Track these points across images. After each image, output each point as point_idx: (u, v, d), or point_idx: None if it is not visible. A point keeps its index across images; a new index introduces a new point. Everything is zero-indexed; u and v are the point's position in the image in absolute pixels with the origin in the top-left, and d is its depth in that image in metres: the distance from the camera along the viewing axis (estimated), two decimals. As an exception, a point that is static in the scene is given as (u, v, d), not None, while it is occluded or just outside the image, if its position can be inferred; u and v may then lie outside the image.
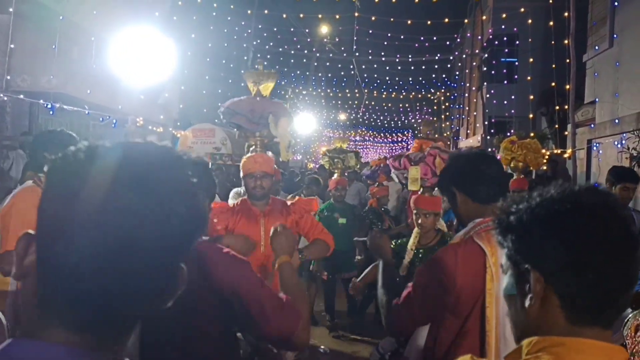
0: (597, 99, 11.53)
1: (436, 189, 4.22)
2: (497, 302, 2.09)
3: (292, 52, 22.17)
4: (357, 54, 21.23)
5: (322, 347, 6.21)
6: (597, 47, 11.52)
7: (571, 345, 1.00)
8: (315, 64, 27.27)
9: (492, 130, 19.62)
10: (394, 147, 39.11)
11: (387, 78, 26.99)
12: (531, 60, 15.03)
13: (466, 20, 23.80)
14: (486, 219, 2.23)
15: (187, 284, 1.85)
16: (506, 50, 21.08)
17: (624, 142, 9.29)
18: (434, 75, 26.67)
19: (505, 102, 17.95)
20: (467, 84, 25.36)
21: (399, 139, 40.15)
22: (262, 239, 3.57)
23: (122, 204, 0.76)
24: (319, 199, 7.30)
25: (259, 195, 3.64)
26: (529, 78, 14.20)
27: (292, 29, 21.72)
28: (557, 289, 1.03)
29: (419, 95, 27.54)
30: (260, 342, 2.16)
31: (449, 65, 29.71)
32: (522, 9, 15.91)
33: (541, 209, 1.06)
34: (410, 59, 20.38)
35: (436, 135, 6.23)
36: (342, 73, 27.75)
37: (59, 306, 0.78)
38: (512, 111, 17.62)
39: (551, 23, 11.89)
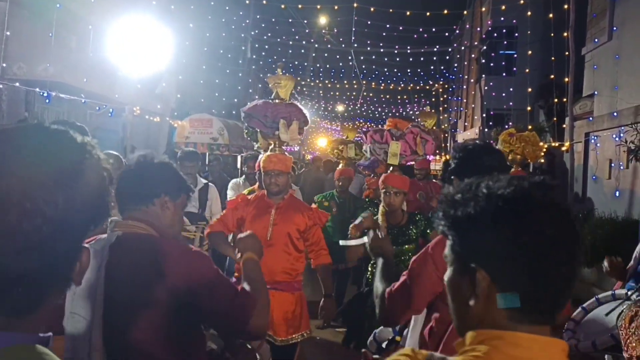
0: (595, 92, 11.52)
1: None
2: None
3: (290, 42, 22.09)
4: (355, 45, 21.16)
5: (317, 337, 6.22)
6: (596, 40, 11.50)
7: (508, 339, 1.01)
8: (314, 54, 27.20)
9: (490, 123, 19.63)
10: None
11: (386, 69, 26.94)
12: (530, 52, 14.99)
13: (465, 12, 23.72)
14: None
15: (140, 277, 1.86)
16: (505, 42, 21.02)
17: (622, 135, 9.29)
18: (432, 67, 26.58)
19: (504, 94, 17.94)
20: (466, 76, 25.31)
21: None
22: (269, 227, 3.88)
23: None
24: (295, 186, 7.25)
25: (274, 191, 3.97)
26: (527, 70, 14.17)
27: (290, 20, 21.63)
28: (501, 287, 1.02)
29: (417, 87, 27.48)
30: (226, 336, 2.19)
31: (447, 57, 29.63)
32: (522, 1, 15.84)
33: (489, 204, 1.02)
34: (408, 51, 20.33)
35: (434, 128, 6.22)
36: (341, 64, 27.67)
37: None
38: (511, 104, 17.60)
39: (551, 15, 11.86)
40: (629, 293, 3.39)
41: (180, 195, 2.16)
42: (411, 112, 31.59)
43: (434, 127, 6.30)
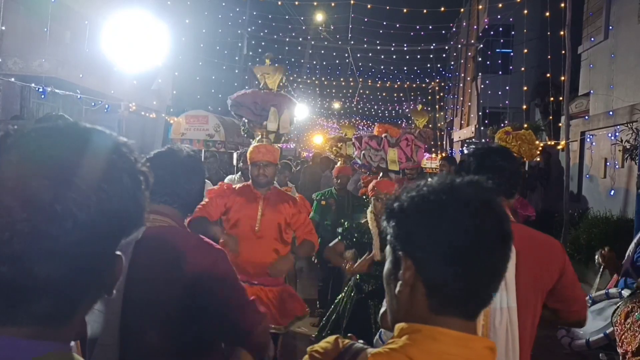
0: (591, 91, 11.55)
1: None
2: None
3: (287, 39, 22.03)
4: (352, 42, 21.12)
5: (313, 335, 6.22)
6: (592, 39, 11.52)
7: (427, 333, 1.02)
8: (310, 51, 27.14)
9: (486, 121, 19.63)
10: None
11: (382, 67, 26.95)
12: (526, 51, 15.01)
13: (462, 10, 23.72)
14: None
15: (158, 270, 1.84)
16: (501, 40, 21.05)
17: (617, 134, 9.32)
18: (428, 65, 26.60)
19: (500, 92, 17.95)
20: (462, 74, 25.32)
21: (393, 129, 40.05)
22: (257, 219, 3.84)
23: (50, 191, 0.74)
24: (291, 183, 7.31)
25: (262, 182, 3.93)
26: (523, 69, 14.18)
27: (287, 16, 21.60)
28: (425, 277, 1.04)
29: (414, 85, 27.47)
30: (229, 343, 2.13)
31: (444, 55, 29.63)
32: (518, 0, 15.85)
33: (420, 198, 1.06)
34: (405, 48, 20.31)
35: (430, 126, 6.23)
36: (337, 61, 27.65)
37: None
38: (507, 102, 17.63)
39: (547, 14, 11.85)
40: (622, 291, 3.40)
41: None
42: (407, 110, 31.59)
43: (429, 126, 6.30)
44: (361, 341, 1.16)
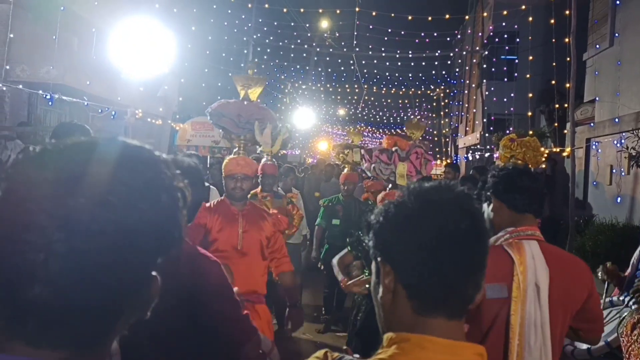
0: (597, 98, 11.54)
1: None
2: (522, 310, 2.15)
3: (292, 46, 22.12)
4: (357, 49, 21.18)
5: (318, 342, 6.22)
6: (597, 46, 11.52)
7: (415, 342, 1.04)
8: (315, 58, 27.24)
9: (491, 128, 19.62)
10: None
11: (387, 74, 26.99)
12: (531, 58, 15.00)
13: (467, 17, 23.76)
14: (518, 228, 2.32)
15: (179, 284, 1.79)
16: (506, 47, 21.04)
17: (623, 141, 9.30)
18: (433, 72, 26.64)
19: (505, 99, 17.93)
20: (467, 81, 25.32)
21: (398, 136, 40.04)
22: (239, 237, 3.72)
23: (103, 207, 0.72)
24: (296, 190, 7.31)
25: (238, 196, 3.79)
26: (528, 76, 14.18)
27: (292, 23, 21.69)
28: (403, 280, 1.07)
29: (419, 92, 27.51)
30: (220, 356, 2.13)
31: (449, 62, 29.65)
32: (523, 7, 15.87)
33: (394, 206, 1.11)
34: (410, 55, 20.35)
35: (426, 138, 6.25)
36: (342, 68, 27.69)
37: (25, 320, 0.73)
38: (512, 109, 17.61)
39: (552, 21, 11.87)
40: (626, 300, 3.40)
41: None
42: (412, 117, 31.58)
43: (427, 137, 6.33)
44: (357, 355, 1.17)
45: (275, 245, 3.93)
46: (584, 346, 3.26)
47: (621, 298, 3.51)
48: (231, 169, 3.79)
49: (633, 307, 3.20)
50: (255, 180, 4.47)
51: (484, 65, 19.89)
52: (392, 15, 18.95)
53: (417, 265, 1.05)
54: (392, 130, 40.30)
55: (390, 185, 5.33)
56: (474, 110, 23.96)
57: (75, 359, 0.76)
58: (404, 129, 6.77)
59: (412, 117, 25.14)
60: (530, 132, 11.32)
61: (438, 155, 26.33)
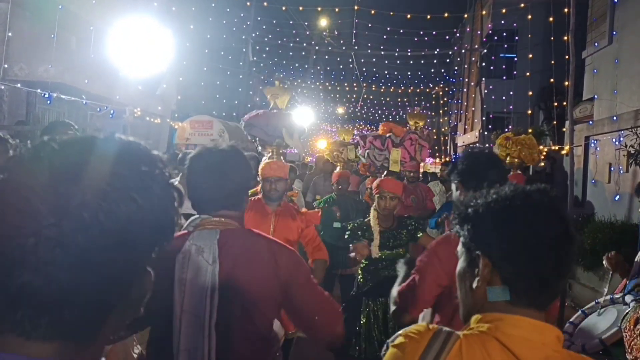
0: (595, 96, 11.54)
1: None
2: None
3: (291, 44, 22.10)
4: (356, 47, 21.18)
5: None
6: (596, 44, 11.52)
7: (508, 321, 1.18)
8: (314, 57, 27.20)
9: (490, 126, 19.63)
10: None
11: (386, 72, 27.01)
12: (530, 56, 15.01)
13: (466, 15, 23.75)
14: None
15: (257, 269, 2.00)
16: (505, 45, 21.04)
17: (621, 139, 9.30)
18: (432, 70, 26.64)
19: (504, 97, 17.95)
20: (466, 79, 25.33)
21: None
22: (270, 234, 3.93)
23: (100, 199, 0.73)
24: (297, 187, 7.34)
25: (273, 197, 4.12)
26: (527, 74, 14.19)
27: (291, 22, 21.66)
28: (501, 273, 1.20)
29: (418, 90, 27.52)
30: (314, 338, 2.30)
31: (447, 60, 29.65)
32: (522, 5, 15.86)
33: (495, 203, 1.23)
34: (409, 53, 20.35)
35: (432, 129, 6.29)
36: (341, 66, 27.72)
37: (20, 312, 0.73)
38: (511, 107, 17.62)
39: (551, 19, 11.88)
40: (626, 297, 3.40)
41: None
42: (420, 113, 31.52)
43: (432, 129, 6.40)
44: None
45: (307, 237, 4.29)
46: (580, 343, 3.27)
47: (620, 296, 3.52)
48: (266, 172, 4.12)
49: (632, 305, 3.20)
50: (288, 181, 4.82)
51: (483, 64, 19.90)
52: (391, 13, 18.95)
53: (518, 263, 1.18)
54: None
55: (385, 172, 5.36)
56: (473, 109, 23.97)
57: (67, 352, 0.76)
58: (407, 119, 6.79)
59: (414, 109, 25.15)
60: (530, 130, 11.31)
61: (437, 154, 26.33)
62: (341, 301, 5.27)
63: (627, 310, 3.15)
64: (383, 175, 5.80)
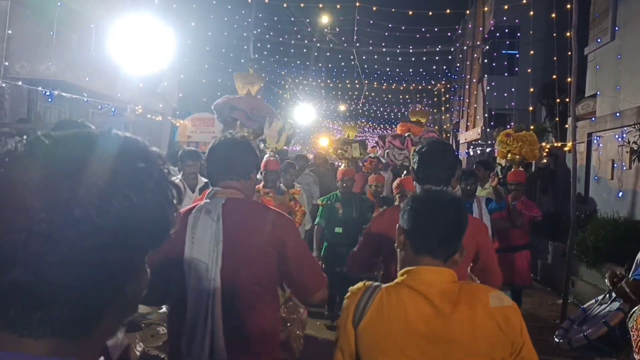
0: (598, 92, 11.49)
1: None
2: None
3: (293, 41, 22.06)
4: (357, 44, 21.11)
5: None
6: (599, 40, 11.47)
7: (415, 271, 1.85)
8: (316, 54, 27.18)
9: (492, 123, 19.58)
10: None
11: (388, 69, 26.91)
12: (532, 52, 14.95)
13: (468, 12, 23.68)
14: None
15: (255, 227, 2.38)
16: (507, 42, 20.98)
17: (624, 135, 9.27)
18: (434, 67, 26.56)
19: (506, 94, 17.89)
20: (468, 76, 25.27)
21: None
22: None
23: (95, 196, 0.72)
24: (298, 184, 7.28)
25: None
26: (529, 70, 14.13)
27: (292, 19, 21.61)
28: (408, 238, 1.91)
29: (419, 87, 27.44)
30: (299, 296, 2.69)
31: (449, 57, 29.59)
32: (524, 1, 15.80)
33: (411, 200, 2.00)
34: (411, 50, 20.28)
35: (434, 127, 6.31)
36: (343, 63, 27.66)
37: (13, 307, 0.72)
38: (513, 104, 17.56)
39: (553, 15, 11.81)
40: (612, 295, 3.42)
41: (256, 171, 2.70)
42: (417, 106, 31.46)
43: (434, 127, 6.44)
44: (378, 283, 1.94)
45: None
46: (567, 339, 3.31)
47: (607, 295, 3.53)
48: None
49: (619, 303, 3.22)
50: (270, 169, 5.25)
51: (485, 60, 19.83)
52: (393, 10, 18.88)
53: (415, 231, 1.90)
54: (393, 126, 40.29)
55: (405, 172, 5.41)
56: (475, 105, 23.92)
57: (61, 349, 0.75)
58: (409, 117, 6.77)
59: (416, 107, 25.12)
60: (532, 127, 11.28)
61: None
62: (340, 299, 5.30)
63: (634, 310, 3.13)
64: (403, 175, 5.80)
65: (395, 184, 4.72)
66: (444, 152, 2.94)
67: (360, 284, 1.89)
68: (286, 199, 6.02)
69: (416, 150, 3.01)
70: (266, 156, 5.61)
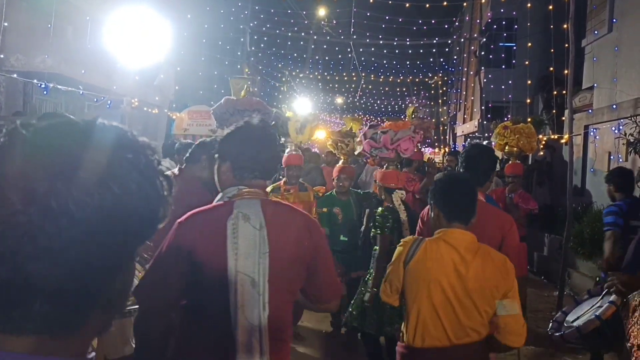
0: (595, 85, 11.49)
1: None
2: None
3: (289, 34, 21.99)
4: (354, 36, 21.08)
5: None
6: (596, 32, 11.46)
7: (448, 232, 2.71)
8: (313, 46, 27.08)
9: (489, 115, 19.60)
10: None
11: (385, 62, 26.89)
12: (529, 44, 14.93)
13: (465, 4, 23.63)
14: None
15: (295, 234, 2.26)
16: (504, 34, 20.95)
17: (621, 127, 9.28)
18: (431, 59, 26.52)
19: (503, 87, 17.89)
20: (465, 69, 25.25)
21: (396, 123, 39.99)
22: None
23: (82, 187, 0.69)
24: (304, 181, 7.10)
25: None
26: (527, 63, 14.12)
27: (289, 11, 21.54)
28: (442, 210, 2.76)
29: (417, 80, 27.43)
30: (313, 301, 2.51)
31: (446, 49, 29.55)
32: (522, -7, 15.79)
33: (440, 183, 2.91)
34: (408, 43, 20.25)
35: (431, 119, 6.28)
36: (340, 56, 27.60)
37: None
38: (510, 96, 17.57)
39: (550, 7, 11.80)
40: (605, 286, 3.43)
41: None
42: (410, 105, 31.41)
43: (429, 118, 6.37)
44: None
45: None
46: (560, 332, 3.34)
47: (598, 287, 3.55)
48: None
49: (612, 297, 3.24)
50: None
51: (482, 53, 19.81)
52: (390, 2, 18.83)
53: (444, 205, 2.78)
54: (390, 119, 40.22)
55: (386, 165, 5.46)
56: (472, 98, 23.91)
57: (43, 346, 0.72)
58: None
59: (409, 104, 25.05)
60: (529, 119, 11.28)
61: (437, 144, 26.30)
62: (347, 303, 4.93)
63: (627, 298, 3.15)
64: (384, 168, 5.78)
65: (378, 176, 4.80)
66: (487, 156, 3.77)
67: (409, 237, 2.97)
68: (310, 196, 5.66)
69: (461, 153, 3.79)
70: (287, 150, 5.50)
